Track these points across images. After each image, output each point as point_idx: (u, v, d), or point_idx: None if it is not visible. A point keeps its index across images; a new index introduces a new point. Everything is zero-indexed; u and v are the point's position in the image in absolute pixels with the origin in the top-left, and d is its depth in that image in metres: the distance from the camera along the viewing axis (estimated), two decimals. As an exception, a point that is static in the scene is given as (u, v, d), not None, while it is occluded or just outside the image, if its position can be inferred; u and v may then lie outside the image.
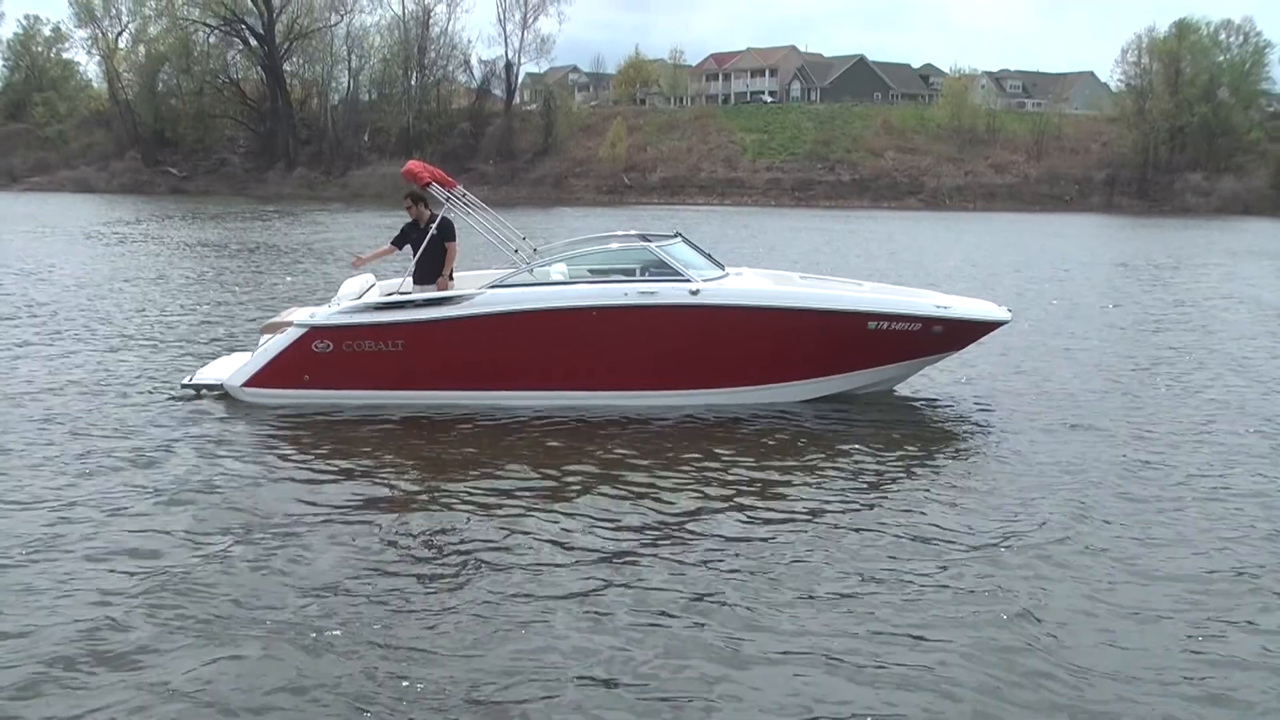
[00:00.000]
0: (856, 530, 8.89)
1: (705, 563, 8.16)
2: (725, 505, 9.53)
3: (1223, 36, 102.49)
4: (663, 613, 7.27)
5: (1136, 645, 6.83)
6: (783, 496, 9.88)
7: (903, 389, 14.27)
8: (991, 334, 14.03)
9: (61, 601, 7.30)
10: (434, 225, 13.36)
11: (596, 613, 7.25)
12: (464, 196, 13.98)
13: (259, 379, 13.00)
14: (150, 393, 13.65)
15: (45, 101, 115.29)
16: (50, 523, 8.82)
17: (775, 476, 10.47)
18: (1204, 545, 8.58)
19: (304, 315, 13.25)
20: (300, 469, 10.61)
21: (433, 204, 13.70)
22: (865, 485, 10.21)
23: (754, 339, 12.92)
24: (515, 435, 11.92)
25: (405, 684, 6.25)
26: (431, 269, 13.42)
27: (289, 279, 27.32)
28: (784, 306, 13.00)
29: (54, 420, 12.14)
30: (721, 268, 13.59)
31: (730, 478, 10.38)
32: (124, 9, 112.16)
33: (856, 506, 9.57)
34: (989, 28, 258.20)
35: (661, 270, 12.93)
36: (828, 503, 9.68)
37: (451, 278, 13.66)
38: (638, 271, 13.08)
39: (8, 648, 6.61)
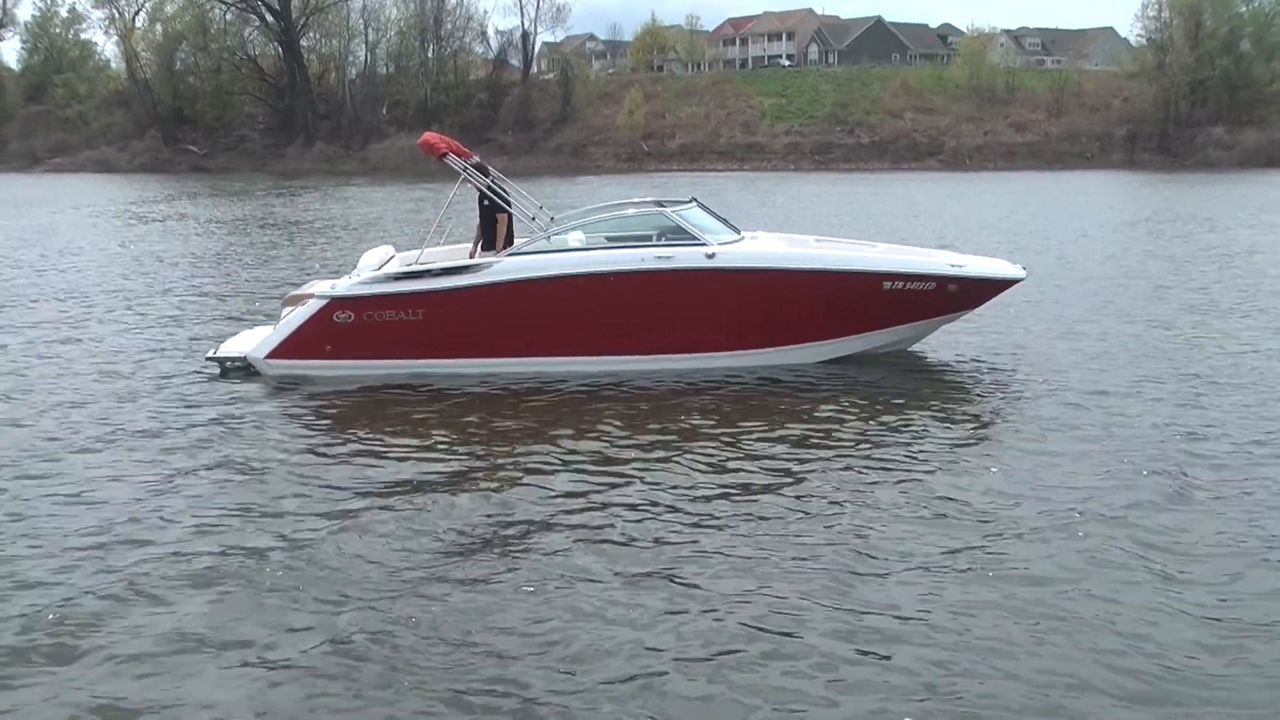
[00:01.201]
0: (874, 498, 8.92)
1: (728, 527, 8.26)
2: (744, 473, 9.57)
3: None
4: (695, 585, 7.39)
5: (1166, 626, 6.63)
6: (799, 461, 9.90)
7: (919, 348, 14.35)
8: (1007, 292, 14.09)
9: (83, 574, 7.45)
10: (483, 198, 13.74)
11: (632, 590, 7.25)
12: (480, 167, 14.12)
13: (281, 350, 13.19)
14: (175, 366, 13.91)
15: (65, 83, 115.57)
16: (75, 493, 9.02)
17: (790, 441, 10.51)
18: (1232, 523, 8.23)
19: (325, 287, 13.45)
20: (326, 442, 10.79)
21: (450, 175, 13.85)
22: (884, 449, 10.21)
23: (770, 301, 13.03)
24: (533, 401, 12.08)
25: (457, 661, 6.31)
26: (488, 239, 13.84)
27: (314, 253, 27.52)
28: (800, 268, 13.10)
29: (81, 392, 12.44)
30: (737, 232, 13.68)
31: (745, 443, 10.43)
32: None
33: (877, 471, 9.56)
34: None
35: (678, 235, 13.03)
36: (848, 467, 9.70)
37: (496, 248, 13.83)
38: (654, 237, 13.18)
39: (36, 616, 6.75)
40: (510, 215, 13.94)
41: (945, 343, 14.66)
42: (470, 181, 13.73)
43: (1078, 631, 6.48)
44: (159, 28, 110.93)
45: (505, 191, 14.02)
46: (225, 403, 12.12)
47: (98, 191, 61.48)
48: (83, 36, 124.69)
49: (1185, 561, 7.48)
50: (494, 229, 13.84)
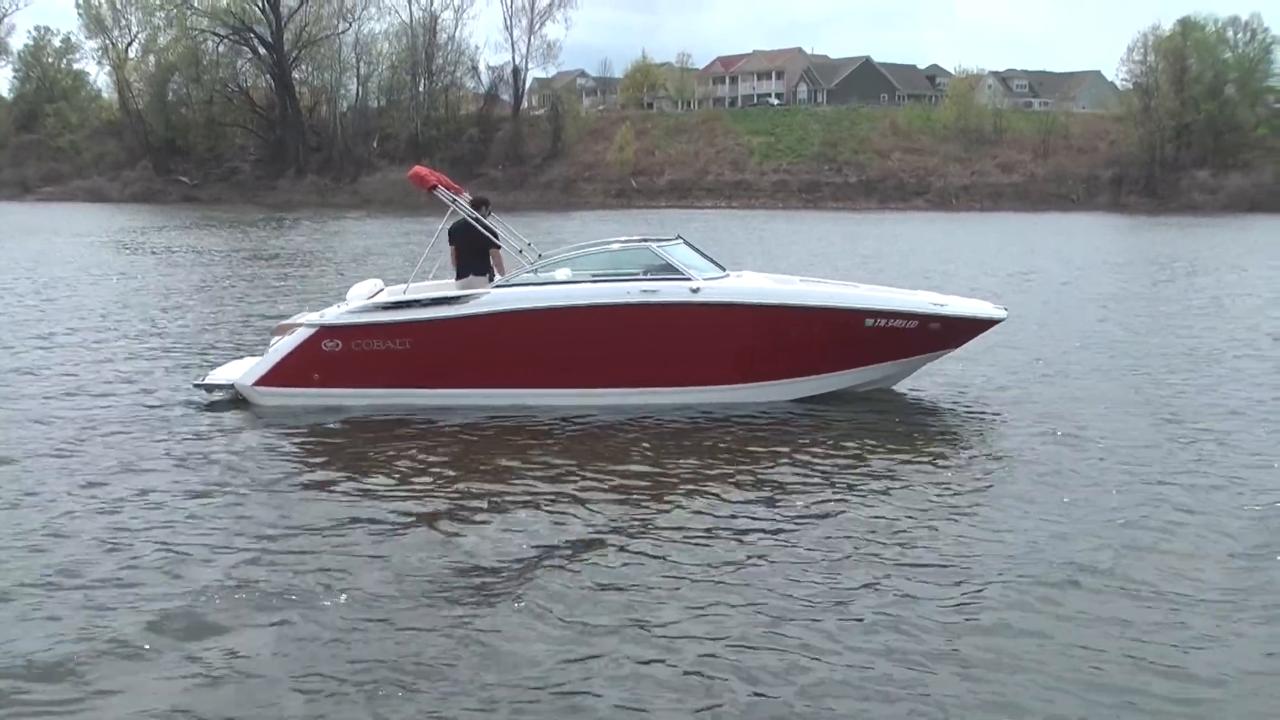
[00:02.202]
0: (852, 531, 9.01)
1: (710, 564, 8.32)
2: (722, 507, 9.64)
3: (1230, 33, 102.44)
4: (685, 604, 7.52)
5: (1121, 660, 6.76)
6: (778, 497, 9.98)
7: (900, 387, 14.46)
8: (988, 332, 14.22)
9: (66, 604, 7.51)
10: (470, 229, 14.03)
11: (619, 612, 7.45)
12: (470, 201, 14.31)
13: (270, 378, 13.31)
14: (165, 392, 14.02)
15: (57, 112, 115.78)
16: (61, 521, 9.04)
17: (769, 477, 10.58)
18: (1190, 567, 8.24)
19: (314, 316, 13.60)
20: (311, 470, 10.89)
21: (439, 208, 14.03)
22: (861, 489, 10.23)
23: (753, 337, 13.16)
24: (518, 432, 12.19)
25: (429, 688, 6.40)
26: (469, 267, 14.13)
27: (303, 284, 27.64)
28: (783, 304, 13.25)
29: (69, 419, 12.48)
30: (722, 269, 13.86)
31: (727, 478, 10.51)
32: (133, 19, 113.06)
33: (855, 507, 9.63)
34: (996, 25, 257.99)
35: (664, 271, 13.17)
36: (825, 504, 9.74)
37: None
38: (641, 273, 13.28)
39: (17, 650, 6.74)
40: (499, 250, 14.14)
41: (926, 382, 14.78)
42: (460, 212, 13.90)
43: (1052, 685, 6.42)
44: (152, 58, 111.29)
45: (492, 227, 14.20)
46: (212, 429, 12.23)
47: (90, 220, 61.52)
48: (75, 66, 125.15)
49: (1165, 607, 7.49)
50: (471, 256, 14.02)
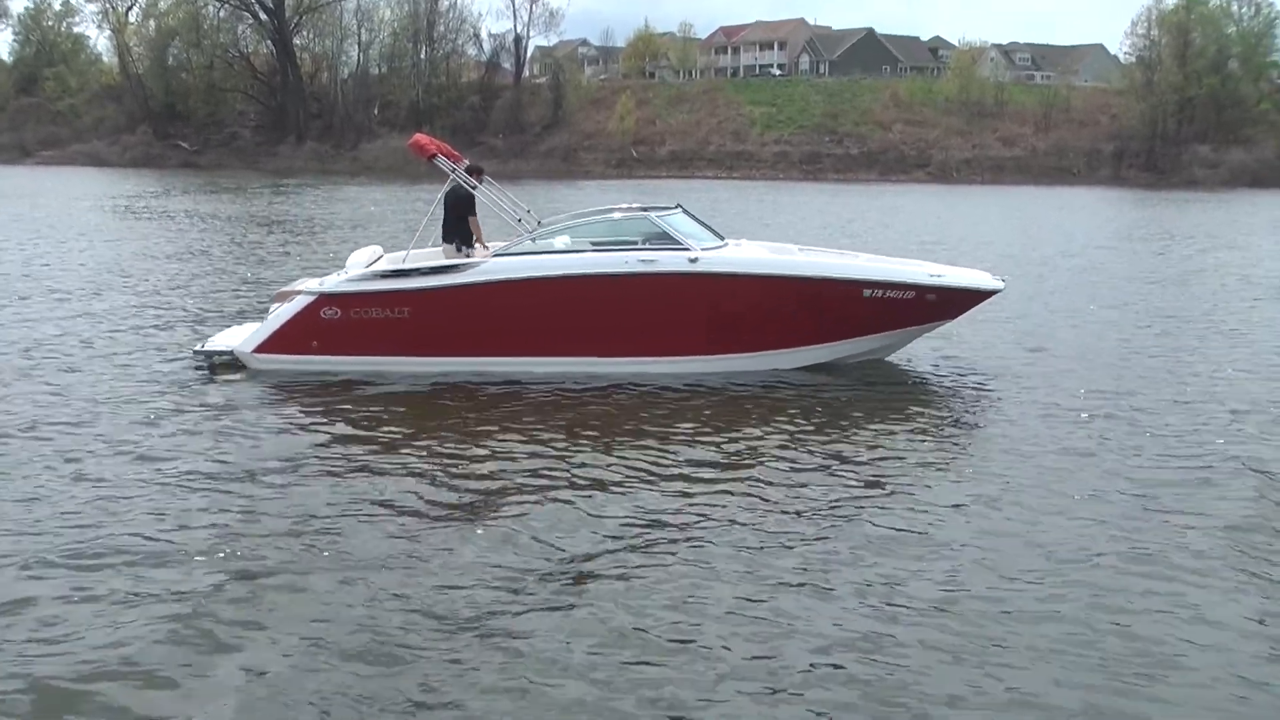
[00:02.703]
0: (843, 503, 9.12)
1: (703, 537, 8.45)
2: (718, 476, 9.75)
3: (1234, 8, 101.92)
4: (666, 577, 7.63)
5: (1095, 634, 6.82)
6: (772, 466, 10.08)
7: (896, 357, 14.56)
8: (985, 303, 14.31)
9: (62, 557, 7.64)
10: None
11: (604, 588, 7.53)
12: (476, 169, 14.37)
13: (269, 345, 13.38)
14: (164, 358, 14.12)
15: (56, 76, 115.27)
16: (59, 478, 9.22)
17: (761, 446, 10.69)
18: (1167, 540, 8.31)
19: (313, 284, 13.65)
20: (308, 436, 11.00)
21: (439, 176, 14.07)
22: (855, 458, 10.35)
23: (751, 306, 13.23)
24: (516, 401, 12.30)
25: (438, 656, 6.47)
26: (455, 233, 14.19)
27: (303, 251, 27.68)
28: (780, 274, 13.32)
29: (71, 387, 12.58)
30: (721, 238, 13.92)
31: (719, 447, 10.63)
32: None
33: (849, 480, 9.71)
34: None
35: (662, 240, 13.24)
36: (819, 474, 9.84)
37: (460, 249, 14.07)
38: (640, 241, 13.36)
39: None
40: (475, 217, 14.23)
41: (923, 352, 14.88)
42: (459, 181, 13.94)
43: (1042, 659, 6.47)
44: (152, 23, 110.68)
45: (493, 195, 14.25)
46: (211, 395, 12.36)
47: (89, 185, 61.40)
48: (75, 30, 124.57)
49: (1156, 582, 7.52)
50: (459, 223, 14.09)
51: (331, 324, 13.21)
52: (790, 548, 8.04)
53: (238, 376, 13.18)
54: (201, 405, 11.91)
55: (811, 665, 6.31)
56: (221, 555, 7.73)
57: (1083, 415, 11.88)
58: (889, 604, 7.09)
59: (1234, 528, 8.50)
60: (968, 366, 14.54)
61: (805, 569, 7.64)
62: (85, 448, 10.20)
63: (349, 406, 11.98)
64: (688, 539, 8.22)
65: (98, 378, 13.03)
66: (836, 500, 9.12)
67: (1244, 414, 12.07)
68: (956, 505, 9.00)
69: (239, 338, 13.79)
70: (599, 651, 6.41)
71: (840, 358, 13.80)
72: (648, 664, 6.30)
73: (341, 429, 11.12)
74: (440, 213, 14.37)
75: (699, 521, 8.57)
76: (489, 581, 7.36)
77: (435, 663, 6.30)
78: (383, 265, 13.72)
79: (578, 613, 6.87)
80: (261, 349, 13.41)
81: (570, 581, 7.37)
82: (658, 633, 6.65)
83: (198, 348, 13.98)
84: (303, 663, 6.27)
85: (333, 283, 13.43)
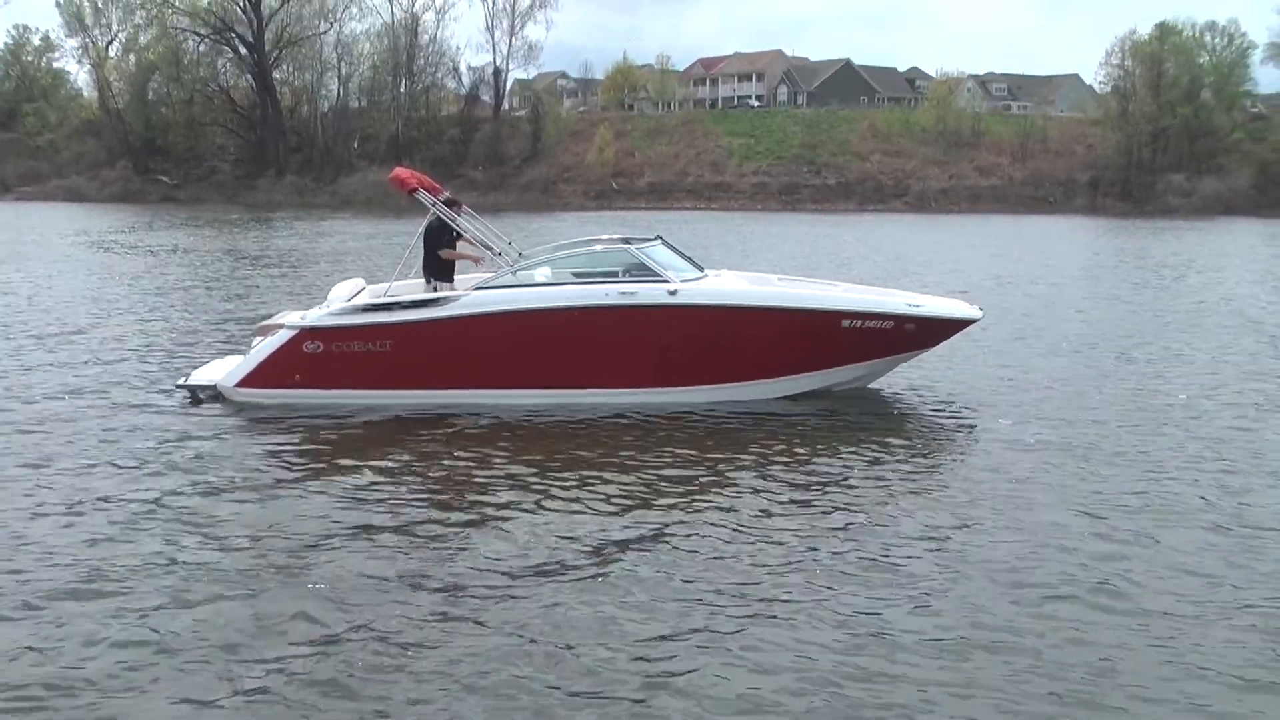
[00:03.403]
0: (813, 534, 9.18)
1: (684, 563, 8.57)
2: (698, 504, 9.83)
3: (1208, 38, 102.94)
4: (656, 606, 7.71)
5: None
6: (744, 496, 10.15)
7: (876, 385, 14.67)
8: (963, 332, 14.47)
9: (47, 585, 7.72)
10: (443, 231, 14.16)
11: (582, 606, 7.68)
12: (451, 202, 14.46)
13: (251, 379, 13.44)
14: (146, 393, 14.15)
15: (36, 111, 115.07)
16: (41, 510, 9.28)
17: (745, 474, 10.79)
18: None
19: (295, 317, 13.72)
20: (291, 471, 11.01)
21: (420, 209, 14.17)
22: (832, 487, 10.44)
23: (730, 338, 13.34)
24: (497, 433, 12.37)
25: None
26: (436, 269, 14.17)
27: (285, 284, 27.70)
28: (759, 305, 13.44)
29: (51, 420, 12.63)
30: (700, 269, 14.05)
31: (703, 476, 10.73)
32: (114, 18, 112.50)
33: (828, 506, 9.83)
34: (982, 29, 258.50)
35: (642, 271, 13.35)
36: (790, 505, 9.91)
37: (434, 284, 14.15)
38: (620, 273, 13.47)
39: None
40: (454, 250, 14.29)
41: (902, 382, 15.00)
42: (440, 215, 14.05)
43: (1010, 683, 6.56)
44: (132, 57, 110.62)
45: (474, 229, 14.35)
46: (193, 430, 12.38)
47: (69, 220, 61.23)
48: (55, 65, 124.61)
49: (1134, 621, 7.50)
50: (435, 257, 14.16)
51: (314, 358, 13.27)
52: (757, 581, 8.06)
53: (220, 410, 13.23)
54: (183, 438, 11.94)
55: (778, 697, 6.35)
56: (200, 583, 7.83)
57: (1052, 444, 11.94)
58: (857, 635, 7.14)
59: (1202, 556, 8.59)
60: (943, 396, 14.64)
61: (773, 599, 7.71)
62: (67, 482, 10.24)
63: (331, 440, 12.04)
64: (660, 564, 8.34)
65: (80, 412, 13.05)
66: (806, 530, 9.17)
67: (1218, 443, 12.12)
68: (924, 535, 9.06)
69: (221, 371, 13.85)
70: (560, 685, 6.46)
71: (819, 387, 13.92)
72: (612, 698, 6.37)
73: (322, 462, 11.18)
74: (421, 246, 14.47)
75: (669, 549, 8.67)
76: (457, 609, 7.48)
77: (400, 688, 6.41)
78: (364, 299, 13.80)
79: (541, 645, 6.93)
80: (244, 383, 13.47)
81: (539, 610, 7.45)
82: (621, 665, 6.73)
83: (180, 381, 14.03)
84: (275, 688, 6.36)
85: (314, 316, 13.50)
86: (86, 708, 6.19)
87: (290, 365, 13.34)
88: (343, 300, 13.74)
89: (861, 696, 6.35)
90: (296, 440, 12.09)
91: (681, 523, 9.31)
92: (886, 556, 8.55)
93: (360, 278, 15.40)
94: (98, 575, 7.99)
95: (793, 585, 7.97)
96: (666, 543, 8.82)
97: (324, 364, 13.27)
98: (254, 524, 9.23)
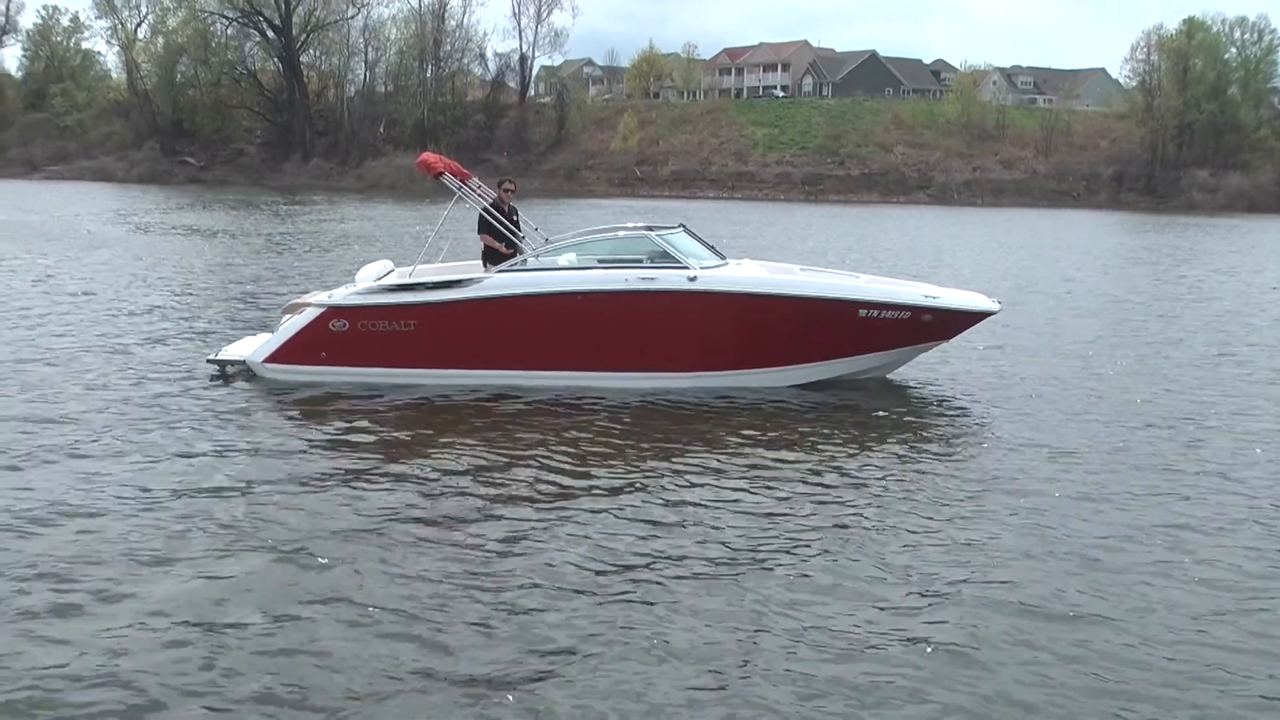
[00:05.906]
0: (836, 520, 9.23)
1: (676, 553, 8.60)
2: (715, 491, 9.86)
3: (1236, 33, 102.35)
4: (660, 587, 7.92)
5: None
6: (768, 482, 10.20)
7: (889, 377, 14.71)
8: (981, 324, 14.56)
9: (76, 561, 7.92)
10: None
11: (592, 590, 7.85)
12: (478, 188, 14.71)
13: (279, 355, 13.74)
14: (178, 367, 14.51)
15: (64, 91, 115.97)
16: (85, 492, 9.39)
17: (761, 461, 10.82)
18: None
19: (322, 296, 14.01)
20: (318, 444, 11.29)
21: (446, 193, 14.40)
22: (849, 476, 10.43)
23: (748, 325, 13.47)
24: (516, 413, 12.59)
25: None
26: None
27: (313, 265, 28.05)
28: (778, 294, 13.55)
29: (85, 395, 12.92)
30: (722, 257, 14.21)
31: (719, 462, 10.79)
32: (143, 0, 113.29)
33: (840, 495, 9.82)
34: (1009, 22, 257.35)
35: (663, 258, 13.52)
36: (811, 490, 9.94)
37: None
38: (644, 260, 13.62)
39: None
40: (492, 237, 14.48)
41: (920, 372, 15.05)
42: (466, 201, 14.29)
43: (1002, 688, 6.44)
44: (160, 40, 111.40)
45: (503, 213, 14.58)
46: (223, 403, 12.71)
47: (98, 200, 61.71)
48: (84, 46, 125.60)
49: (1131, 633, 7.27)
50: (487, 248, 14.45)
51: (339, 336, 13.56)
52: (767, 572, 7.99)
53: (249, 385, 13.55)
54: (213, 411, 12.27)
55: (777, 702, 6.24)
56: (229, 560, 8.01)
57: (1067, 444, 11.79)
58: (856, 635, 7.03)
59: (1227, 566, 8.32)
60: (959, 390, 14.62)
61: (775, 600, 7.56)
62: (101, 450, 10.55)
63: (354, 416, 12.26)
64: (687, 548, 8.48)
65: (114, 386, 13.37)
66: (802, 527, 9.03)
67: (1244, 448, 11.79)
68: (924, 535, 8.91)
69: (250, 348, 14.15)
70: (563, 689, 6.37)
71: (835, 376, 14.02)
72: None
73: (345, 437, 11.45)
74: (450, 229, 14.72)
75: (684, 538, 8.76)
76: (481, 593, 7.64)
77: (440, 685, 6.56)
78: (391, 279, 14.06)
79: (550, 646, 6.86)
80: (272, 359, 13.76)
81: (543, 601, 7.52)
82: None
83: (211, 356, 14.34)
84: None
85: (341, 295, 13.79)
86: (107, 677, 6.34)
87: (317, 343, 13.62)
88: (369, 281, 13.99)
89: (859, 697, 6.28)
90: (318, 416, 12.31)
91: (693, 509, 9.41)
92: (887, 556, 8.47)
93: (387, 260, 15.64)
94: (108, 548, 8.13)
95: (784, 582, 7.91)
96: (679, 532, 8.86)
97: (349, 342, 13.55)
98: (269, 494, 9.46)
